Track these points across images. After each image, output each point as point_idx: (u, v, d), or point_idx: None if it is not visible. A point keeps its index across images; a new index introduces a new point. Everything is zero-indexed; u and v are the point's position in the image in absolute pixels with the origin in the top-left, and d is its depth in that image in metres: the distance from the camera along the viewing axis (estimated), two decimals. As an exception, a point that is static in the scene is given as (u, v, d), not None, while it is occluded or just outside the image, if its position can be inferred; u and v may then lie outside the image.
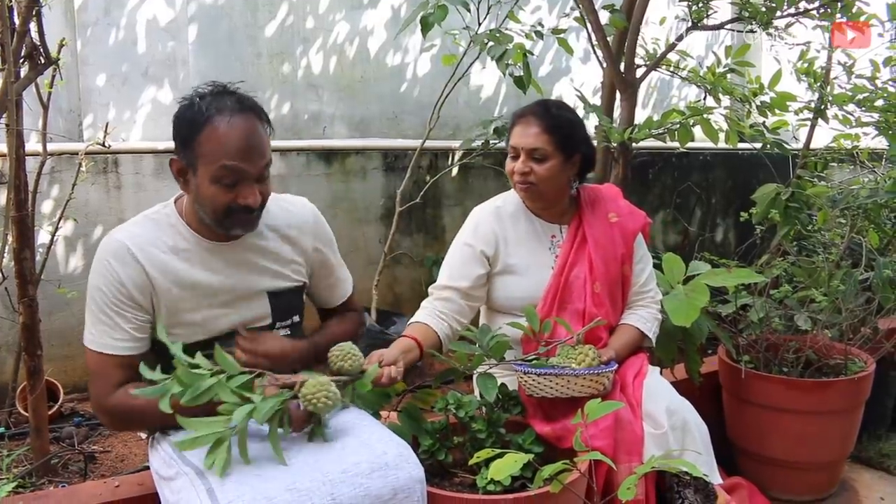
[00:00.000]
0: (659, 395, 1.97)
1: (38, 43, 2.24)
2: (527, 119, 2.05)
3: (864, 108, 3.36)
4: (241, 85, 1.69)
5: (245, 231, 1.71)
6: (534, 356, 1.96)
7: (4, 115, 2.10)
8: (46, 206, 2.99)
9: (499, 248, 2.12)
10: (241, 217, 1.66)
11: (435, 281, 2.20)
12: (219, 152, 1.58)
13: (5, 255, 2.45)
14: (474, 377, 2.28)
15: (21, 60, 2.19)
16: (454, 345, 1.96)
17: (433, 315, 2.05)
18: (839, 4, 2.92)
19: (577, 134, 2.08)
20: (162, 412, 1.51)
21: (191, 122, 1.60)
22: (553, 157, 2.03)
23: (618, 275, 2.13)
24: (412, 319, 2.07)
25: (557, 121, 2.04)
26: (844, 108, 3.47)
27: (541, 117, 2.04)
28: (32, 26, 2.19)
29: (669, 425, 1.90)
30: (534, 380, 1.89)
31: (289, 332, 1.85)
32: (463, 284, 2.09)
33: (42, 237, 2.80)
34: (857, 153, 3.75)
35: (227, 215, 1.64)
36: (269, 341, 1.74)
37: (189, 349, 1.72)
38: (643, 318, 2.16)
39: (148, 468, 1.79)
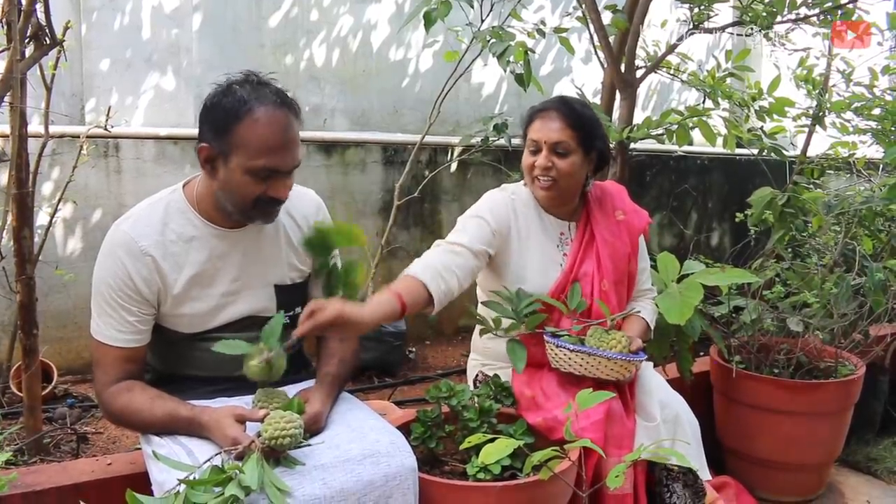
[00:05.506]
0: (652, 388, 1.99)
1: (44, 23, 2.25)
2: (548, 113, 2.03)
3: (861, 116, 3.38)
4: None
5: (266, 222, 1.72)
6: (565, 332, 1.97)
7: (8, 95, 2.11)
8: (46, 188, 3.00)
9: (510, 237, 2.06)
10: (267, 209, 1.67)
11: None
12: (258, 146, 1.56)
13: (4, 235, 2.46)
14: (468, 368, 2.30)
15: (26, 40, 2.20)
16: (491, 304, 1.90)
17: (435, 271, 1.84)
18: (839, 12, 2.95)
19: (597, 131, 2.08)
20: (152, 421, 1.62)
21: (229, 110, 1.57)
22: (575, 153, 2.02)
23: (624, 272, 2.13)
24: (411, 267, 1.87)
25: (580, 116, 2.03)
26: (842, 115, 3.50)
27: (563, 112, 2.02)
28: (39, 6, 2.19)
29: (662, 418, 1.91)
30: (566, 354, 1.92)
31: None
32: (475, 246, 1.98)
33: (41, 219, 2.81)
34: (853, 161, 3.77)
35: (253, 206, 1.64)
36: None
37: (192, 338, 1.74)
38: (649, 310, 2.19)
39: (140, 450, 1.80)
